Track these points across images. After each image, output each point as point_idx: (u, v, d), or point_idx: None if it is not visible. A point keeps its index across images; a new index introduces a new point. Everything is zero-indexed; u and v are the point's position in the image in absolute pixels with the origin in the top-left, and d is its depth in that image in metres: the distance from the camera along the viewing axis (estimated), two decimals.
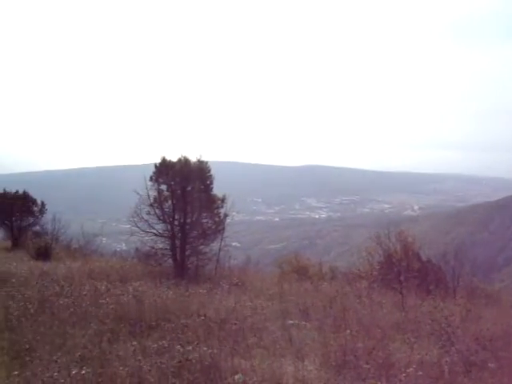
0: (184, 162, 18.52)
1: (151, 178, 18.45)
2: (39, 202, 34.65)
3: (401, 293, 13.66)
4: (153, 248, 18.57)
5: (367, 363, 6.89)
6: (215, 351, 7.10)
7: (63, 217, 35.50)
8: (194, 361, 6.77)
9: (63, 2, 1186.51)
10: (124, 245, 48.31)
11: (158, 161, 18.74)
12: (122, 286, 13.08)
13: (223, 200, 18.83)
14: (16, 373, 6.98)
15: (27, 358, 7.57)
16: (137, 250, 26.71)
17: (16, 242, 32.33)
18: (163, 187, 18.48)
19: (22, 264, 19.65)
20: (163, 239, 18.52)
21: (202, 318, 8.78)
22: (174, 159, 18.67)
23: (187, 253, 18.49)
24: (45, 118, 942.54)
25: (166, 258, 18.67)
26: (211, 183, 18.78)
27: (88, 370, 6.33)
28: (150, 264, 18.22)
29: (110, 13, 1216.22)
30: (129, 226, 24.29)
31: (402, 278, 15.03)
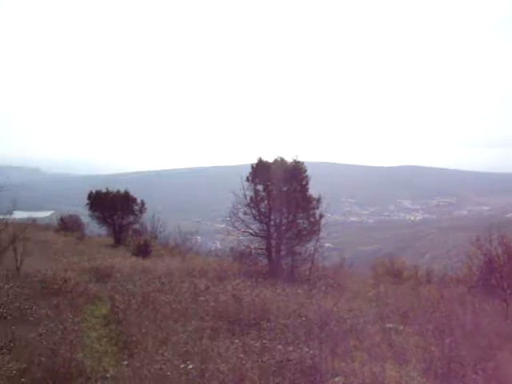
0: (280, 163, 18.57)
1: (248, 179, 18.62)
2: (139, 201, 35.92)
3: (505, 300, 12.98)
4: (248, 247, 18.75)
5: (475, 373, 6.58)
6: (316, 352, 7.03)
7: (161, 216, 36.76)
8: (294, 361, 6.76)
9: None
10: (219, 244, 49.11)
11: (255, 161, 18.89)
12: (219, 284, 13.29)
13: (319, 201, 18.68)
14: (125, 363, 7.27)
15: (134, 350, 7.88)
16: (232, 249, 27.16)
17: (118, 238, 33.77)
18: (259, 187, 18.59)
19: (124, 260, 20.50)
20: (259, 239, 18.64)
21: (304, 318, 8.75)
22: (271, 160, 18.75)
23: (282, 253, 18.53)
24: (147, 122, 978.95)
25: (261, 258, 18.79)
26: (307, 184, 18.68)
27: (192, 365, 6.47)
28: (246, 263, 18.39)
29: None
30: (224, 225, 24.66)
31: (505, 284, 14.26)
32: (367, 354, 7.70)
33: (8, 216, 19.18)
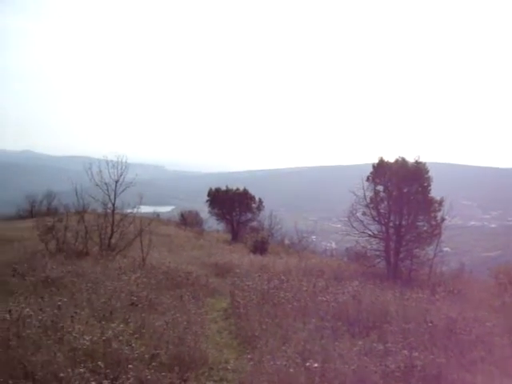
0: (401, 163, 18.12)
1: (368, 179, 18.35)
2: (257, 199, 36.60)
3: None
4: (366, 249, 18.49)
5: None
6: (442, 361, 6.78)
7: (277, 214, 37.21)
8: (419, 368, 6.56)
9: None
10: (334, 243, 48.80)
11: (374, 161, 18.57)
12: (337, 284, 13.21)
13: (440, 203, 18.00)
14: (249, 356, 7.45)
15: (254, 345, 8.04)
16: (347, 249, 26.92)
17: (235, 235, 34.65)
18: (380, 188, 18.26)
19: (242, 256, 20.97)
20: (377, 240, 18.30)
21: (430, 324, 8.48)
22: (392, 160, 18.35)
23: (401, 256, 18.06)
24: (259, 122, 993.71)
25: (379, 260, 18.45)
26: (429, 185, 18.06)
27: (317, 364, 6.49)
28: (364, 264, 18.15)
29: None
30: (339, 225, 24.42)
31: None
32: (496, 367, 7.28)
33: (135, 210, 20.33)
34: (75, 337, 7.00)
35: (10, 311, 7.48)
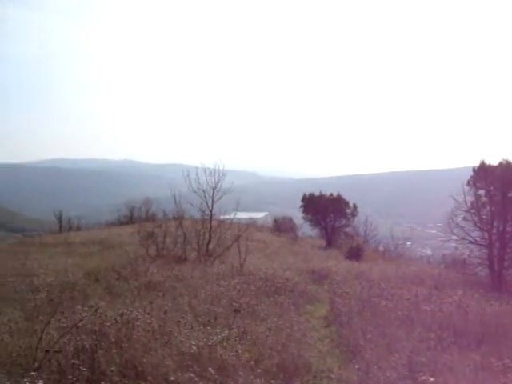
0: (505, 166, 17.23)
1: (468, 183, 17.59)
2: (351, 204, 36.11)
3: None
4: (467, 256, 17.74)
5: None
6: None
7: (372, 220, 36.54)
8: None
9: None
10: (429, 250, 47.33)
11: (476, 164, 17.79)
12: (439, 293, 12.75)
13: None
14: (356, 366, 7.32)
15: (361, 354, 7.89)
16: (444, 256, 25.99)
17: (330, 241, 34.33)
18: (481, 192, 17.45)
19: (338, 262, 20.73)
20: (479, 247, 17.49)
21: None
22: (495, 163, 17.49)
23: (505, 264, 17.16)
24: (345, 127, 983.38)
25: (480, 268, 17.63)
26: None
27: (425, 378, 6.24)
28: (465, 272, 17.41)
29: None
30: (434, 231, 23.59)
31: None
32: None
33: (232, 216, 20.68)
34: (182, 341, 7.17)
35: (122, 314, 7.77)
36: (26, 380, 5.31)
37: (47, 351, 6.24)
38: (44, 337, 6.91)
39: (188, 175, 19.53)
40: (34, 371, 5.64)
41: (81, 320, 7.19)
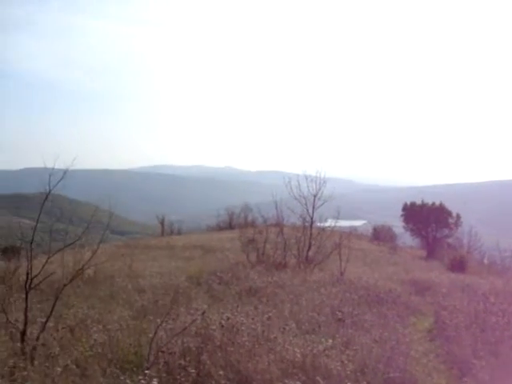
0: None
1: None
2: (454, 214, 34.80)
3: None
4: None
5: None
6: None
7: (477, 230, 34.93)
8: None
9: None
10: None
11: None
12: None
13: None
14: None
15: (471, 372, 7.54)
16: None
17: (431, 252, 33.21)
18: None
19: (440, 274, 19.97)
20: None
21: None
22: None
23: None
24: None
25: None
26: None
27: None
28: None
29: None
30: None
31: None
32: None
33: (333, 224, 20.55)
34: (286, 348, 7.16)
35: (228, 318, 7.90)
36: (140, 377, 5.50)
37: (162, 351, 6.45)
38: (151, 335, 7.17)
39: (289, 182, 19.64)
40: (147, 369, 5.83)
41: (192, 322, 7.36)
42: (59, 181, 7.19)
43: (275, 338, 7.63)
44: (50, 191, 7.18)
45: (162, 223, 44.07)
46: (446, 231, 34.72)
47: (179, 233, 43.63)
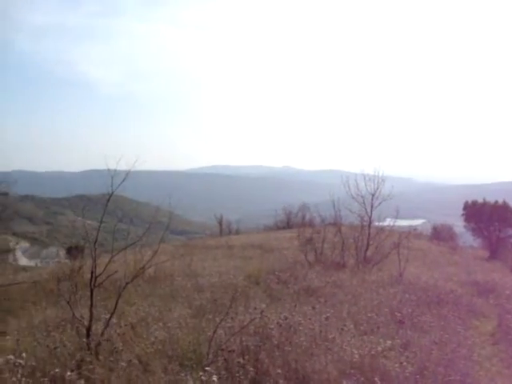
0: None
1: None
2: None
3: None
4: None
5: None
6: None
7: None
8: None
9: None
10: None
11: None
12: None
13: None
14: None
15: None
16: None
17: (493, 252, 32.16)
18: None
19: (503, 276, 19.37)
20: None
21: None
22: None
23: None
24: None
25: None
26: None
27: None
28: None
29: None
30: None
31: None
32: None
33: (391, 224, 20.26)
34: (344, 348, 7.15)
35: (286, 318, 7.94)
36: (201, 374, 5.63)
37: (221, 349, 6.57)
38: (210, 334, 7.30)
39: (347, 181, 19.49)
40: (207, 366, 5.96)
41: (251, 321, 7.44)
42: (122, 182, 7.41)
43: (333, 338, 7.62)
44: (112, 192, 7.41)
45: (220, 223, 44.56)
46: (510, 231, 33.56)
47: (237, 232, 44.01)
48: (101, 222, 7.56)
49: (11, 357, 5.92)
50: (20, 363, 5.89)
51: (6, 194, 16.98)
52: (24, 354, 6.28)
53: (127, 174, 7.47)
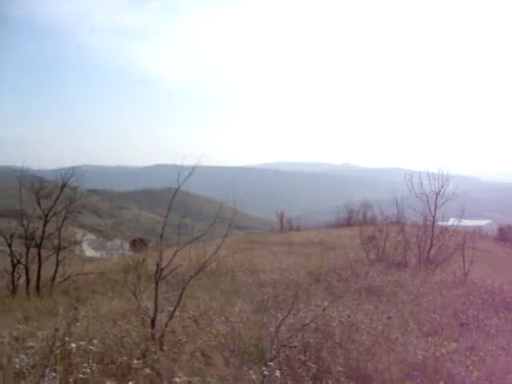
0: None
1: None
2: None
3: None
4: None
5: None
6: None
7: None
8: None
9: None
10: None
11: None
12: None
13: None
14: None
15: None
16: None
17: None
18: None
19: None
20: None
21: None
22: None
23: None
24: None
25: None
26: None
27: None
28: None
29: None
30: None
31: None
32: None
33: (456, 223, 19.76)
34: (407, 349, 7.04)
35: (349, 316, 7.91)
36: (263, 369, 5.69)
37: (284, 345, 6.61)
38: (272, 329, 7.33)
39: (411, 179, 19.13)
40: (270, 361, 6.00)
41: (315, 318, 7.43)
42: (187, 177, 7.53)
43: (396, 338, 7.52)
44: (178, 187, 7.54)
45: (281, 219, 44.64)
46: None
47: (297, 229, 43.98)
48: (166, 216, 7.72)
49: (83, 343, 6.15)
50: (91, 349, 6.12)
51: (75, 188, 17.55)
52: (95, 341, 6.51)
53: (193, 169, 7.60)
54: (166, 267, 7.79)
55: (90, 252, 72.06)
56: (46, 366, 5.08)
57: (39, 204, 16.41)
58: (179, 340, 7.25)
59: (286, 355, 6.72)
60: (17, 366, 5.68)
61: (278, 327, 6.83)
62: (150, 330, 7.51)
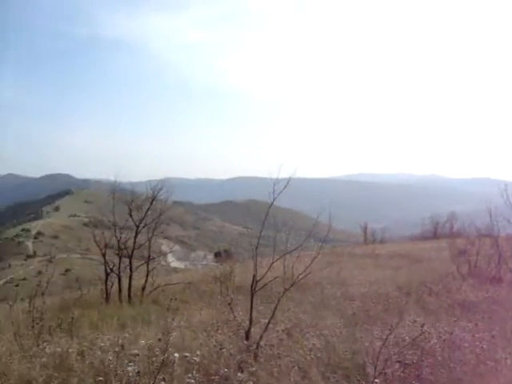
0: None
1: None
2: None
3: None
4: None
5: None
6: None
7: None
8: None
9: None
10: None
11: None
12: None
13: None
14: None
15: None
16: None
17: None
18: None
19: None
20: None
21: None
22: None
23: None
24: None
25: None
26: None
27: None
28: None
29: None
30: None
31: None
32: None
33: None
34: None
35: (451, 333, 7.62)
36: None
37: (386, 360, 6.45)
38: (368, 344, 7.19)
39: (505, 190, 18.24)
40: (374, 378, 5.88)
41: (419, 336, 7.17)
42: (283, 189, 7.54)
43: (505, 358, 7.14)
44: (274, 200, 7.57)
45: (365, 231, 44.03)
46: None
47: (382, 241, 43.18)
48: (261, 231, 7.74)
49: (187, 354, 6.26)
50: (195, 360, 6.21)
51: (164, 201, 18.10)
52: (198, 352, 6.61)
53: (288, 181, 7.60)
54: (261, 279, 7.83)
55: (174, 263, 73.87)
56: (158, 373, 5.19)
57: (131, 215, 16.98)
58: (278, 354, 7.22)
59: (385, 372, 6.55)
60: (130, 374, 5.82)
61: (384, 343, 6.66)
62: (245, 341, 7.54)
